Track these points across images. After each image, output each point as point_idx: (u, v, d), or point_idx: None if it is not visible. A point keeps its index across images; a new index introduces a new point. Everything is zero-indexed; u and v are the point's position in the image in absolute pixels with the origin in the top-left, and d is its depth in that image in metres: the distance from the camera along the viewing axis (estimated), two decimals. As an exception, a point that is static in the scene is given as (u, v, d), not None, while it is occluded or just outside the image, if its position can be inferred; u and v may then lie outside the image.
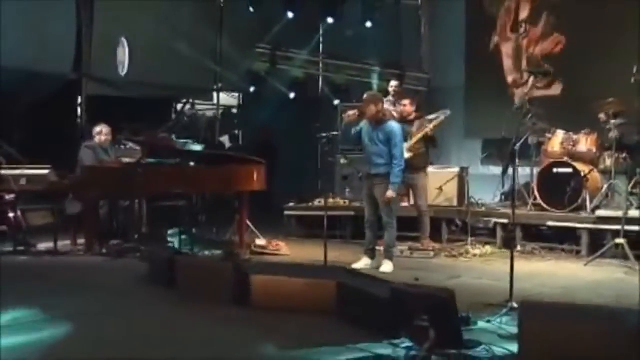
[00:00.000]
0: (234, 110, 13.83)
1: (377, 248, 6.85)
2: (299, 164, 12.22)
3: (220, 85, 12.36)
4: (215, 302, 4.85)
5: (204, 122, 12.12)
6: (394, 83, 9.45)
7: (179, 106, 12.69)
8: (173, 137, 9.44)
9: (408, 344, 3.71)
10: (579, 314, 3.40)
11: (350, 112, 6.76)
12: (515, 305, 4.62)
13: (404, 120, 7.93)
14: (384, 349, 3.75)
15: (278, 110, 12.04)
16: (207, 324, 4.50)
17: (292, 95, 12.21)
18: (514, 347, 3.72)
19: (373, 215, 6.67)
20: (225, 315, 4.69)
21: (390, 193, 6.45)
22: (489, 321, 4.34)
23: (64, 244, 7.96)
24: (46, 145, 10.15)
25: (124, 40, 11.15)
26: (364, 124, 6.65)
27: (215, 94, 12.45)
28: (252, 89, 12.14)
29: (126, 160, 7.99)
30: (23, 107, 10.39)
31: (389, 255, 6.57)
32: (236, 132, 13.75)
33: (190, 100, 12.99)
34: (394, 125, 6.58)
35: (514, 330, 4.11)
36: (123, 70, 11.24)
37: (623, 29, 8.96)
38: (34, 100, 10.49)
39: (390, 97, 9.18)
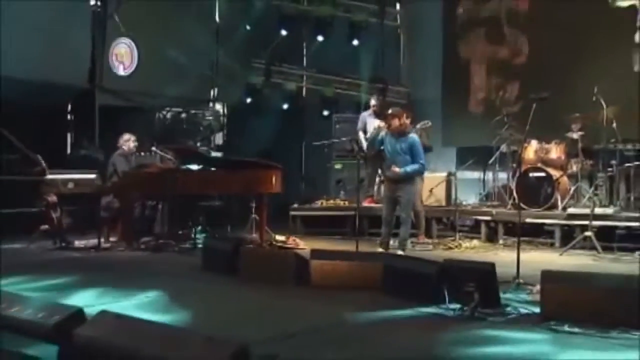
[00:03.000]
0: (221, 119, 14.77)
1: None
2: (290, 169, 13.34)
3: (215, 95, 13.47)
4: (280, 283, 5.93)
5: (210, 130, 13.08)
6: (373, 102, 10.41)
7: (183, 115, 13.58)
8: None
9: (455, 306, 4.90)
10: (589, 280, 4.66)
11: (380, 125, 7.83)
12: (521, 280, 5.86)
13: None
14: (435, 310, 4.95)
15: (272, 120, 13.08)
16: (277, 299, 5.58)
17: (285, 106, 13.32)
18: (532, 309, 4.98)
19: (390, 214, 7.79)
20: (285, 292, 5.78)
21: (396, 169, 7.54)
22: (504, 292, 5.54)
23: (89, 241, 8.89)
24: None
25: (125, 39, 11.93)
26: (384, 135, 7.79)
27: (211, 104, 13.58)
28: (248, 100, 13.20)
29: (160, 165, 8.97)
30: (40, 116, 11.17)
31: (402, 247, 7.74)
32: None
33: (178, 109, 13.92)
34: (415, 137, 7.73)
35: (525, 297, 5.40)
36: (124, 70, 12.04)
37: (589, 53, 10.31)
38: (50, 109, 11.32)
39: (371, 112, 10.28)
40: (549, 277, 4.74)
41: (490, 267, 4.86)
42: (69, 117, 12.18)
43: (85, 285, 5.90)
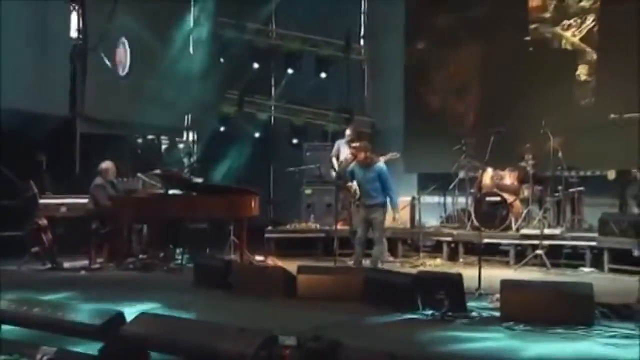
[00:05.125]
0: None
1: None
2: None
3: (190, 124, 14.22)
4: (270, 296, 6.65)
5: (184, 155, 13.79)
6: (348, 132, 11.06)
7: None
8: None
9: (428, 311, 5.72)
10: (541, 287, 5.54)
11: (348, 157, 8.66)
12: (482, 291, 6.70)
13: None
14: (411, 315, 5.75)
15: (244, 147, 13.81)
16: (272, 308, 6.30)
17: (256, 134, 14.10)
18: (492, 313, 5.83)
19: (363, 235, 8.54)
20: (278, 303, 6.51)
21: (377, 214, 8.37)
22: (468, 301, 6.35)
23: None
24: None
25: (124, 40, 12.46)
26: (354, 166, 8.62)
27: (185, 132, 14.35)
28: (222, 129, 13.94)
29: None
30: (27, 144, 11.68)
31: (374, 265, 8.48)
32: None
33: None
34: (382, 166, 8.55)
35: (486, 304, 6.25)
36: (123, 71, 12.54)
37: (537, 89, 11.29)
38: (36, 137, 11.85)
39: (346, 141, 11.05)
40: (507, 286, 5.61)
41: (458, 277, 5.72)
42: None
43: (98, 299, 6.46)
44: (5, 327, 4.85)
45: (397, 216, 8.65)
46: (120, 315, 4.27)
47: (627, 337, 4.99)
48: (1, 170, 10.24)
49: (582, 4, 11.22)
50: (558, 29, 11.50)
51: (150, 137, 14.12)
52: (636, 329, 5.10)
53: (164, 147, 14.52)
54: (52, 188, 10.52)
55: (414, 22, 13.59)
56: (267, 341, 3.53)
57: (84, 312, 4.41)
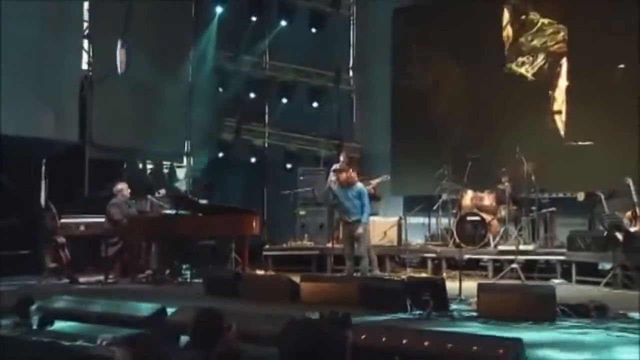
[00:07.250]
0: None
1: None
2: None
3: (190, 150, 15.09)
4: (277, 302, 7.51)
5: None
6: (342, 158, 11.96)
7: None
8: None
9: (416, 312, 6.64)
10: (511, 289, 6.49)
11: (332, 178, 9.64)
12: (463, 297, 7.62)
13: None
14: (401, 315, 6.67)
15: (241, 172, 14.68)
16: (282, 310, 7.12)
17: (253, 160, 15.00)
18: (471, 313, 6.77)
19: (351, 251, 9.45)
20: (284, 307, 7.36)
21: (360, 230, 9.30)
22: (450, 304, 7.29)
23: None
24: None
25: (121, 41, 13.18)
26: (334, 187, 9.56)
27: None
28: (220, 154, 14.81)
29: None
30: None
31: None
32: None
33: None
34: (362, 186, 9.54)
35: (466, 307, 7.18)
36: (122, 69, 13.26)
37: (512, 118, 12.43)
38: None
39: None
40: (483, 288, 6.56)
41: (441, 281, 6.66)
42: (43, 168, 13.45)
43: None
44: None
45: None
46: (163, 308, 5.15)
47: (583, 328, 5.97)
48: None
49: (533, 43, 12.48)
50: (513, 66, 12.73)
51: (139, 162, 14.81)
52: (590, 322, 6.08)
53: (149, 171, 15.24)
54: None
55: (400, 55, 14.63)
56: (291, 323, 4.42)
57: (131, 307, 5.27)
